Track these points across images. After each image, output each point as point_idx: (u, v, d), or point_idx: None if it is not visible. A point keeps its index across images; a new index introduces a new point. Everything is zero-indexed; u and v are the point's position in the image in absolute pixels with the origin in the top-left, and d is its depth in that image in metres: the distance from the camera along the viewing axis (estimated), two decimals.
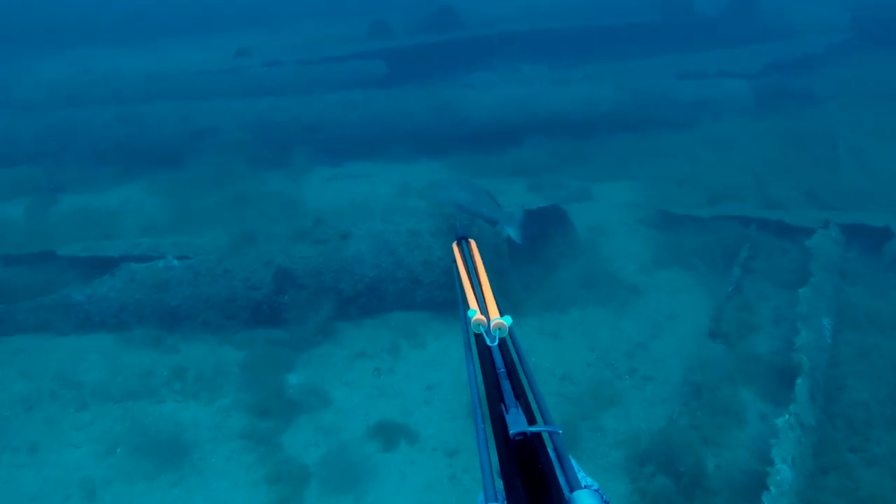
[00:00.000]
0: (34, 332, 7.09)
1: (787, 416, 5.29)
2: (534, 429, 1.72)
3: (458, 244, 2.92)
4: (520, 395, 1.92)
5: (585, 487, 1.50)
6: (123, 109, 11.20)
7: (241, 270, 7.30)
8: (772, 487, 4.67)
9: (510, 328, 2.15)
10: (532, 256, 8.58)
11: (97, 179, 10.66)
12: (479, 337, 2.15)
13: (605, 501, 1.66)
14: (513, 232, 7.89)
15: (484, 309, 2.22)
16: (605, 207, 10.03)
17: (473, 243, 2.90)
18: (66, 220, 9.20)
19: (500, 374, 1.98)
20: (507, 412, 1.80)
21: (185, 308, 7.21)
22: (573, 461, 1.67)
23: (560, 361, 7.00)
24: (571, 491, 1.50)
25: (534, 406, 1.91)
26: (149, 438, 5.92)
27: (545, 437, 1.74)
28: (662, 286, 8.14)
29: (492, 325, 2.10)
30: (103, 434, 6.02)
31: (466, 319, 2.18)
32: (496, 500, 1.52)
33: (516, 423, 1.73)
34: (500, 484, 1.64)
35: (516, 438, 1.70)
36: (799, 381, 5.67)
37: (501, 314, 2.19)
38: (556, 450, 1.69)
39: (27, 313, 7.07)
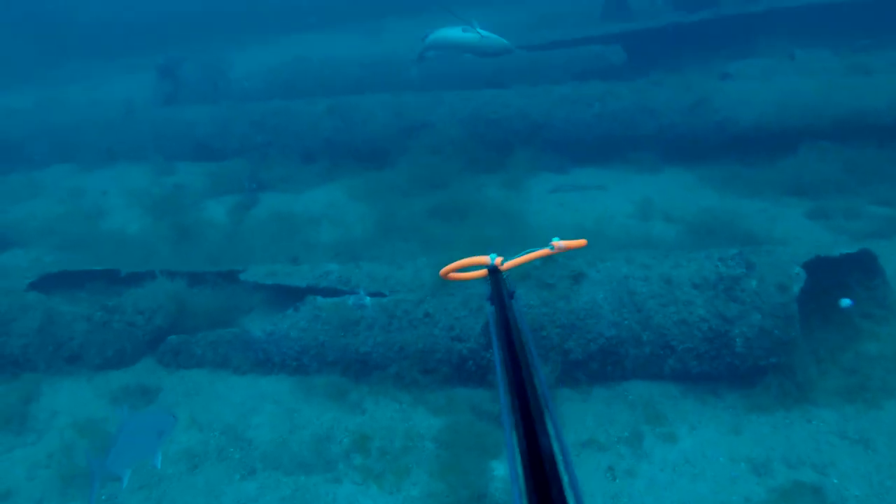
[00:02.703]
0: (211, 367, 6.20)
1: None
2: None
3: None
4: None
5: None
6: (334, 102, 10.28)
7: (444, 316, 5.91)
8: None
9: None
10: (824, 317, 6.37)
11: (301, 177, 9.85)
12: None
13: None
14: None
15: None
16: None
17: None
18: (263, 227, 8.40)
19: None
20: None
21: (376, 356, 5.96)
22: None
23: (877, 489, 4.85)
24: None
25: None
26: None
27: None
28: None
29: None
30: None
31: None
32: None
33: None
34: None
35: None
36: None
37: None
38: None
39: (206, 347, 6.20)
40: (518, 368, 1.91)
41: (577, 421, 5.58)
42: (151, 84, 13.01)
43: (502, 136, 9.66)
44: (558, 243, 2.85)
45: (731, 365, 5.74)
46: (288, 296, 6.44)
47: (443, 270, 2.86)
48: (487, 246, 6.77)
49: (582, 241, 2.94)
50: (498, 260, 2.83)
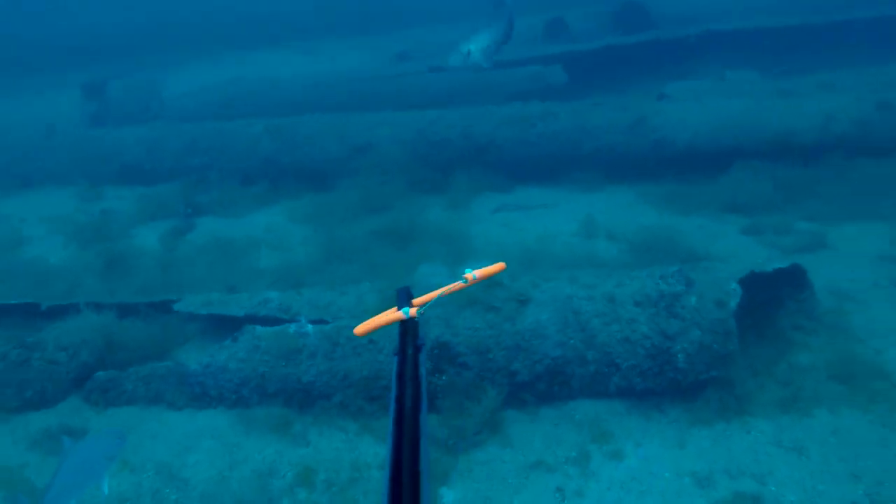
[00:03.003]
0: (144, 403, 5.90)
1: None
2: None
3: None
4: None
5: None
6: (274, 122, 10.07)
7: (389, 342, 5.77)
8: None
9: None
10: (759, 330, 6.49)
11: (240, 201, 9.60)
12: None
13: None
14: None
15: None
16: (849, 261, 7.65)
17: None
18: (199, 254, 8.12)
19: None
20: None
21: (319, 385, 5.77)
22: None
23: (810, 494, 4.92)
24: None
25: None
26: None
27: None
28: None
29: None
30: None
31: None
32: None
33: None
34: None
35: None
36: None
37: None
38: None
39: (138, 382, 5.90)
40: (401, 426, 1.98)
41: (524, 443, 5.52)
42: (78, 104, 12.53)
43: (446, 156, 9.61)
44: (471, 274, 2.74)
45: (673, 380, 5.77)
46: (225, 326, 6.21)
47: (357, 329, 2.74)
48: (431, 272, 6.66)
49: (500, 266, 2.83)
50: (412, 312, 2.69)
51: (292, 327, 5.89)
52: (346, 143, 9.74)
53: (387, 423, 2.08)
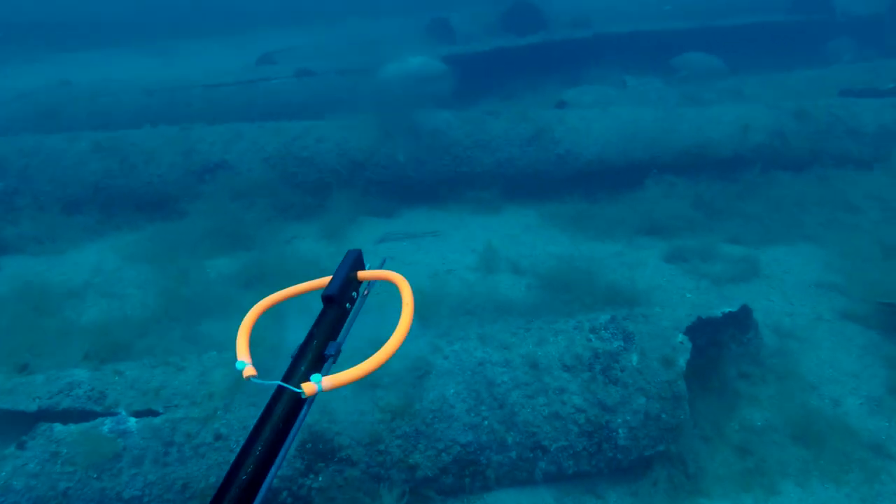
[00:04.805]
0: None
1: None
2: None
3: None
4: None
5: None
6: (105, 137, 8.20)
7: (245, 436, 4.25)
8: None
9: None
10: (701, 381, 5.47)
11: (61, 234, 7.69)
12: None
13: None
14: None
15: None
16: (785, 291, 6.86)
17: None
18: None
19: None
20: None
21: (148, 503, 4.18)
22: None
23: None
24: None
25: None
26: None
27: None
28: None
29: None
30: None
31: None
32: None
33: None
34: None
35: None
36: None
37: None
38: None
39: None
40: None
41: None
42: None
43: (318, 175, 8.09)
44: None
45: (613, 459, 4.63)
46: (9, 425, 4.46)
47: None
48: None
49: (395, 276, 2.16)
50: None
51: (107, 423, 4.27)
52: (196, 160, 8.02)
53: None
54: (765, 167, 8.35)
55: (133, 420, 4.28)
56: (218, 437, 4.29)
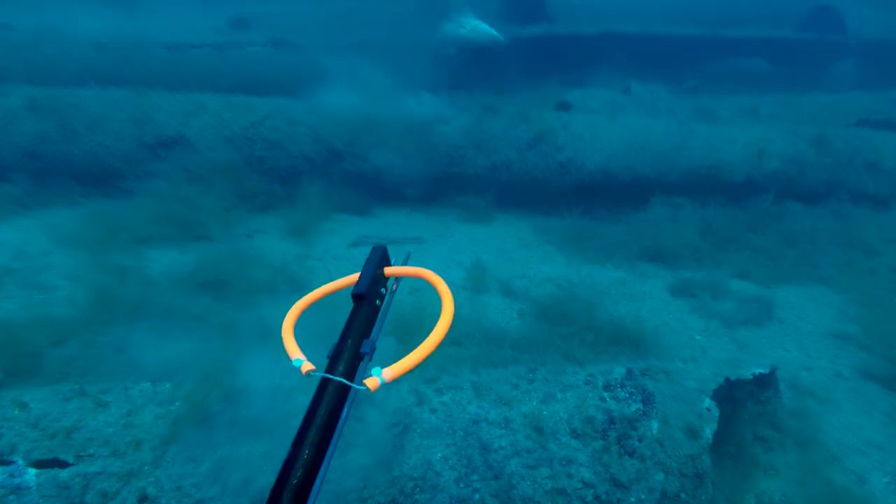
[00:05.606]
0: None
1: None
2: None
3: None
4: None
5: None
6: (45, 94, 7.11)
7: (178, 498, 3.38)
8: None
9: None
10: (717, 439, 4.74)
11: None
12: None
13: None
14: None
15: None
16: (801, 340, 6.18)
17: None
18: None
19: None
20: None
21: None
22: None
23: None
24: None
25: None
26: None
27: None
28: None
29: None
30: None
31: None
32: None
33: None
34: None
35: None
36: None
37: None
38: None
39: None
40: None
41: None
42: None
43: (288, 162, 7.14)
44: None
45: None
46: None
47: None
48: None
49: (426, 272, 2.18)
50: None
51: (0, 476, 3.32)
52: (149, 132, 6.98)
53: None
54: (778, 196, 7.66)
55: (33, 472, 3.35)
56: (143, 499, 3.39)
